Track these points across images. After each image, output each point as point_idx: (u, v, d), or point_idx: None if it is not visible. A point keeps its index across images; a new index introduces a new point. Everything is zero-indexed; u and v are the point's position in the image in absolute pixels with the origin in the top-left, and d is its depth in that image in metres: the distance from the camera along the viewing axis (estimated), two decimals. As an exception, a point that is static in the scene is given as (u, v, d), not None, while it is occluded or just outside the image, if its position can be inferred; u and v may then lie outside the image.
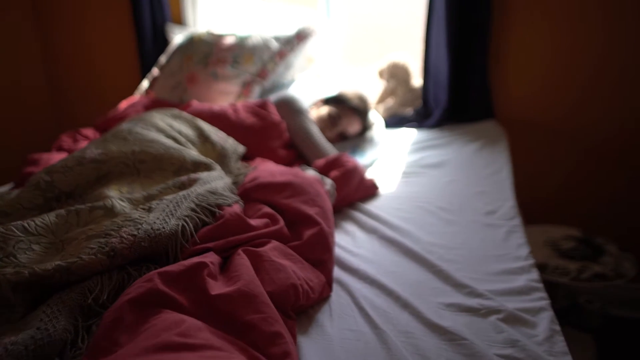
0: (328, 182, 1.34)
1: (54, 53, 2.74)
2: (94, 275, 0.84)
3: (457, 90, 2.04)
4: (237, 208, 1.07)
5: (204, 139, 1.44)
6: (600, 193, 2.06)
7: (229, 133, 1.56)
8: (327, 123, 1.74)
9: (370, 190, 1.50)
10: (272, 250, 0.96)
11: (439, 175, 1.64)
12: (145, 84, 2.16)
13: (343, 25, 2.39)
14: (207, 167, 1.27)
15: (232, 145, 1.48)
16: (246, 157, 1.57)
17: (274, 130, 1.61)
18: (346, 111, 1.77)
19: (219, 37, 2.08)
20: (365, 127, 1.85)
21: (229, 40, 2.06)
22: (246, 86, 1.99)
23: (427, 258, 1.11)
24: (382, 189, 1.54)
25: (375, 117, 1.95)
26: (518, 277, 1.04)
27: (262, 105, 1.68)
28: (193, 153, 1.30)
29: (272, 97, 1.78)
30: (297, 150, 1.68)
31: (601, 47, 1.92)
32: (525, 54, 2.03)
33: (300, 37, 2.07)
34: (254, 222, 1.04)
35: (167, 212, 0.98)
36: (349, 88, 1.89)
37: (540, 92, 2.06)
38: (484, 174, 1.64)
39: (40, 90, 2.77)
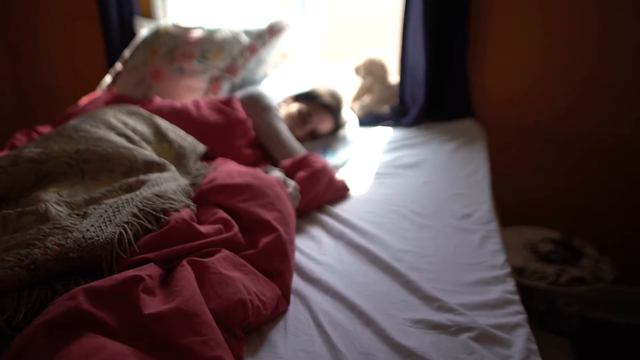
0: (291, 184, 1.24)
1: (17, 48, 2.60)
2: (10, 292, 0.74)
3: (434, 88, 1.97)
4: (185, 213, 0.97)
5: (160, 137, 1.34)
6: (580, 195, 2.00)
7: (190, 131, 1.45)
8: (296, 121, 1.65)
9: (340, 192, 1.42)
10: (220, 260, 0.86)
11: (414, 176, 1.57)
12: (107, 79, 2.04)
13: (318, 21, 2.31)
14: (160, 168, 1.16)
15: (191, 144, 1.38)
16: (209, 157, 1.47)
17: (238, 128, 1.51)
18: (317, 108, 1.67)
19: (186, 31, 1.96)
20: (338, 125, 1.76)
21: (197, 34, 1.95)
22: (214, 82, 1.88)
23: (396, 267, 1.03)
24: (354, 191, 1.46)
25: (349, 115, 1.86)
26: (493, 288, 0.97)
27: (227, 102, 1.58)
28: (146, 152, 1.20)
29: (239, 93, 1.67)
30: (263, 149, 1.58)
31: (593, 47, 1.85)
32: (506, 52, 1.96)
33: (273, 31, 1.97)
34: (204, 228, 0.94)
35: (105, 218, 0.88)
36: (321, 84, 1.79)
37: (521, 92, 1.98)
38: (461, 174, 1.57)
39: (4, 85, 2.63)
